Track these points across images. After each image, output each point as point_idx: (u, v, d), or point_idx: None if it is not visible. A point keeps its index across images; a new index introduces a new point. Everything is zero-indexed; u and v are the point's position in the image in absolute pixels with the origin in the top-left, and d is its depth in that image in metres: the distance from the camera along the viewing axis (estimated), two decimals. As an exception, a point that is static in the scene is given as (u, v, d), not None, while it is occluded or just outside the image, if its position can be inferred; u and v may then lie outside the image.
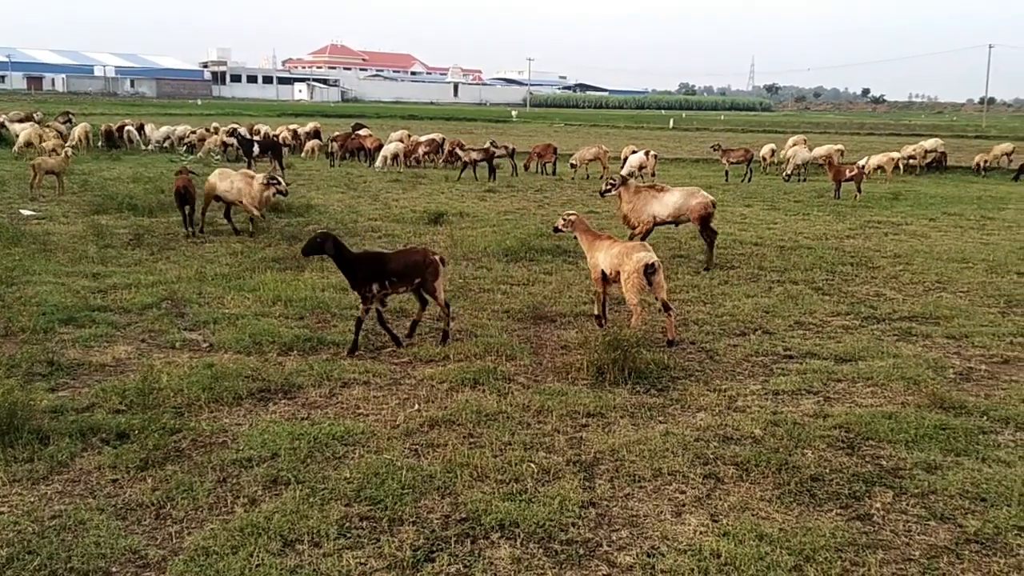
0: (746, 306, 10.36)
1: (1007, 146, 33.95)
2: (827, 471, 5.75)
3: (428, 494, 5.35)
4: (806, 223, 17.81)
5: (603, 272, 9.11)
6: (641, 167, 24.72)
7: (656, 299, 9.01)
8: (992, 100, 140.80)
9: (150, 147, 31.38)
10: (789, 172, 27.35)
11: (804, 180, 27.23)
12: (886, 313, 10.20)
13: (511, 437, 6.25)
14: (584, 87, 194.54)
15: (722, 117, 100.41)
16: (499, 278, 11.67)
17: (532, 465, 5.74)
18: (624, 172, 24.51)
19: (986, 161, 31.87)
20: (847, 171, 22.57)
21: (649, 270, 8.57)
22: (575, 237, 10.04)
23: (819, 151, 28.60)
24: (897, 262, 13.46)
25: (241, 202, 14.11)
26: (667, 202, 12.68)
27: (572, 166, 27.16)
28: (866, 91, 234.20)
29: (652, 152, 25.80)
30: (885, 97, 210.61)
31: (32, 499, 5.20)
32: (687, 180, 25.91)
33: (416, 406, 6.91)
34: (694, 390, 7.41)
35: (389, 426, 6.46)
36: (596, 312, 9.49)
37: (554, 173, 27.92)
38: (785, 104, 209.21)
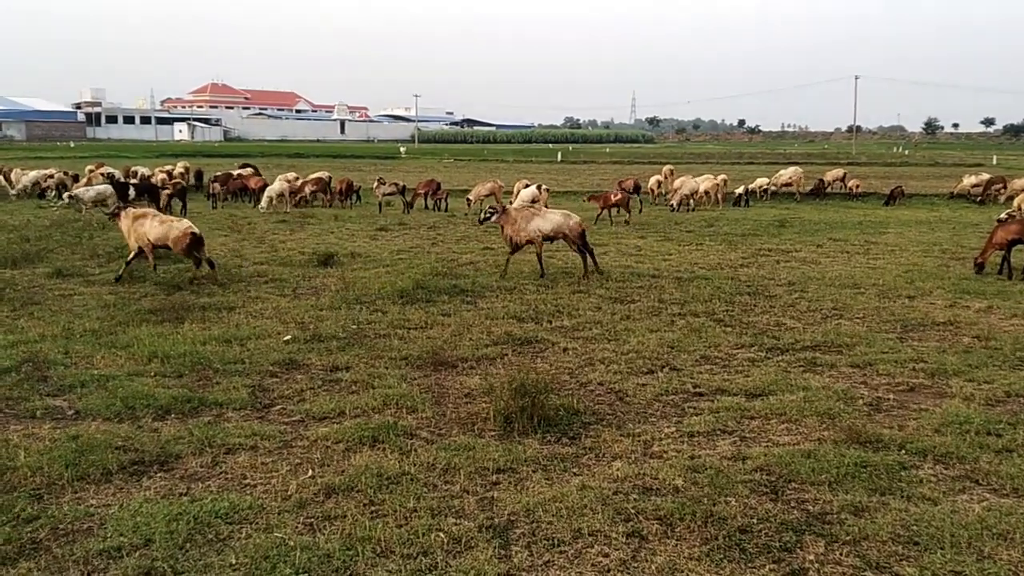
0: (651, 342, 10.12)
1: (838, 171, 37.40)
2: (754, 520, 5.43)
3: (326, 577, 4.77)
4: (700, 253, 17.92)
5: None
6: (534, 200, 24.57)
7: None
8: (859, 128, 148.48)
9: (14, 193, 29.42)
10: (676, 203, 27.73)
11: (693, 210, 27.67)
12: (789, 343, 10.13)
13: (416, 502, 5.71)
14: (472, 122, 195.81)
15: (607, 150, 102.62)
16: (395, 322, 11.12)
17: (441, 535, 5.22)
18: (516, 205, 24.42)
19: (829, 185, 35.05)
20: (612, 196, 24.43)
21: None
22: None
23: (705, 183, 29.22)
24: (792, 290, 13.56)
25: None
26: None
27: (468, 201, 26.87)
28: (742, 122, 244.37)
29: (544, 186, 25.76)
30: (760, 127, 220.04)
31: None
32: (579, 213, 25.87)
33: (310, 472, 6.29)
34: (607, 436, 7.03)
35: (280, 498, 5.83)
36: None
37: (446, 210, 27.54)
38: (667, 135, 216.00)
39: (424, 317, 11.40)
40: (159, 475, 6.26)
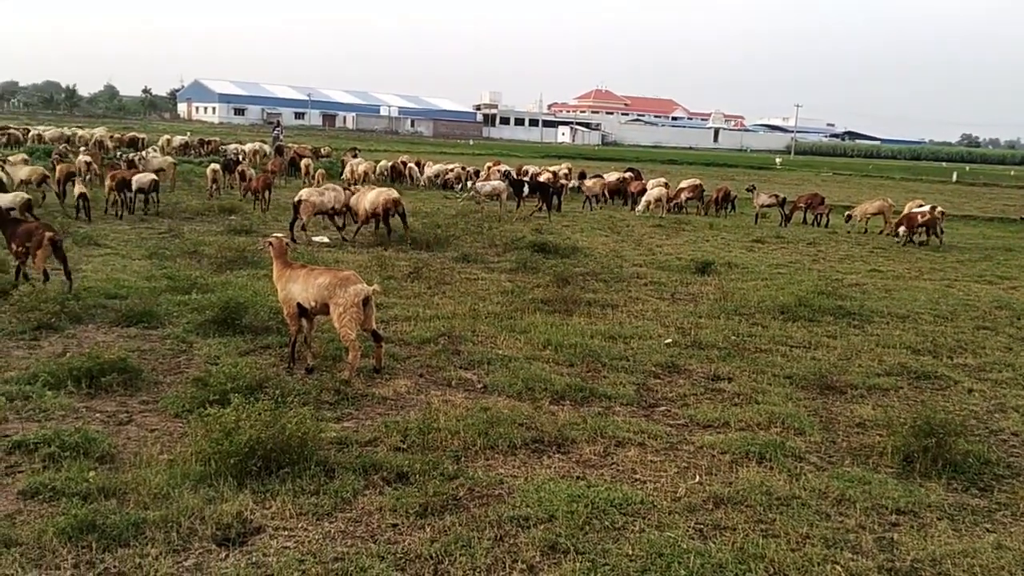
0: (1078, 395, 8.86)
1: None
2: None
3: (719, 586, 4.81)
4: None
5: (300, 306, 8.41)
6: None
7: (364, 330, 8.50)
8: None
9: (423, 182, 33.04)
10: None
11: None
12: None
13: (809, 529, 5.54)
14: (853, 135, 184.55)
15: (1012, 172, 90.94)
16: (776, 338, 10.86)
17: (838, 568, 5.03)
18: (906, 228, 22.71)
19: None
20: (920, 217, 22.38)
21: (366, 302, 8.26)
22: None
23: None
24: None
25: None
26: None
27: (847, 219, 25.38)
28: None
29: (939, 208, 23.55)
30: None
31: (316, 536, 5.21)
32: (980, 240, 23.38)
33: (697, 478, 6.37)
34: (1026, 494, 6.31)
35: (669, 498, 5.98)
36: (290, 354, 8.72)
37: (827, 226, 26.24)
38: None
39: (807, 336, 11.01)
40: (557, 456, 6.71)
